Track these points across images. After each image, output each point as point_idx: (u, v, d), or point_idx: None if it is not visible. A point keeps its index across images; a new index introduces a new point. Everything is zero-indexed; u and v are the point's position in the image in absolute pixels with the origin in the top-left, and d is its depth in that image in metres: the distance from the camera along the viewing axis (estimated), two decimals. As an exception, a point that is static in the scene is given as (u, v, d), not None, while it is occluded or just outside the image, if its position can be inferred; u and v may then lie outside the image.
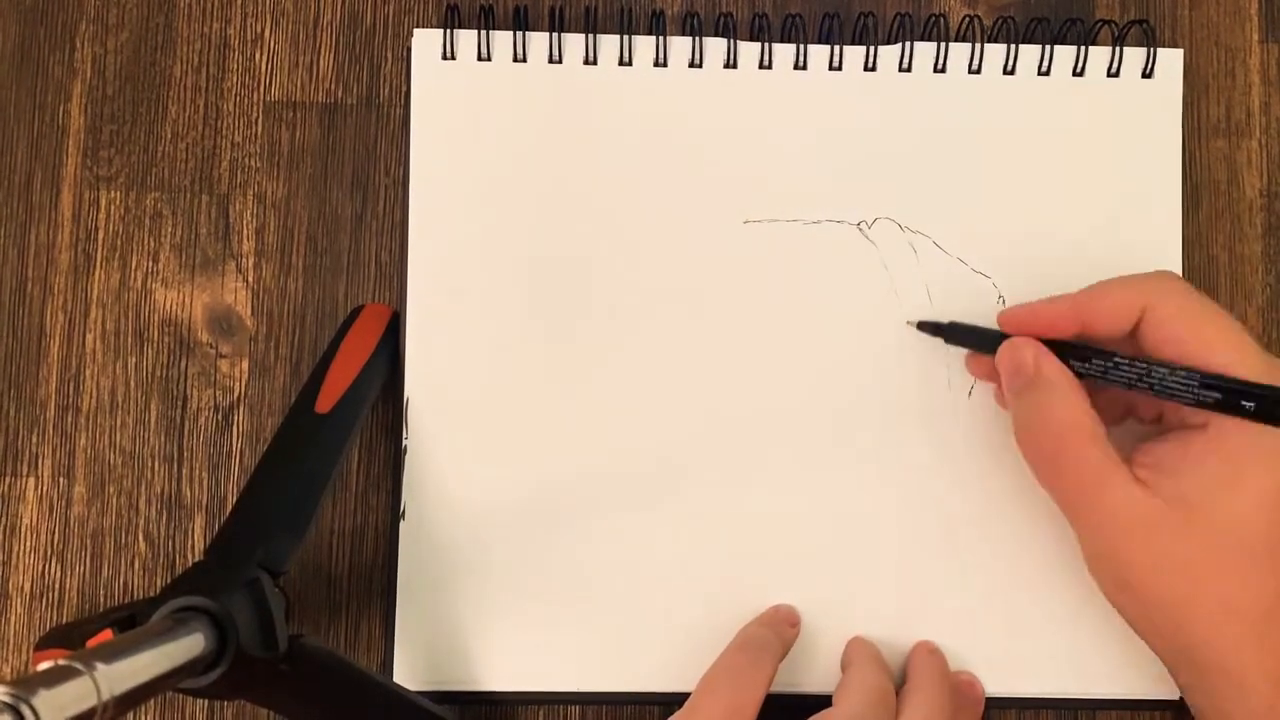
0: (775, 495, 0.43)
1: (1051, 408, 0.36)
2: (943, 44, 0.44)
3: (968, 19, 0.45)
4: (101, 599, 0.43)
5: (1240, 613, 0.35)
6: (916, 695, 0.38)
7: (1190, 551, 0.35)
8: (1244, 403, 0.33)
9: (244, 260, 0.44)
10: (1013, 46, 0.44)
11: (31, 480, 0.43)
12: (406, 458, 0.42)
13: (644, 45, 0.44)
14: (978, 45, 0.44)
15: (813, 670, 0.42)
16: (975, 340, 0.41)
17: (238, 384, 0.44)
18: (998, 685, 0.42)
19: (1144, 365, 0.35)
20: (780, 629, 0.41)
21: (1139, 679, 0.42)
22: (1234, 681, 0.35)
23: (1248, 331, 0.36)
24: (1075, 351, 0.37)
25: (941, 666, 0.41)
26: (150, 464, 0.43)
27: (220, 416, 0.44)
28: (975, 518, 0.43)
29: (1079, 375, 0.37)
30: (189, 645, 0.30)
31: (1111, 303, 0.37)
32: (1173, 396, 0.35)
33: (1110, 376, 0.36)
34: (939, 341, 0.43)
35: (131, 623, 0.36)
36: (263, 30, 0.45)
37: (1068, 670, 0.42)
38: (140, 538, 0.43)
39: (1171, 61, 0.45)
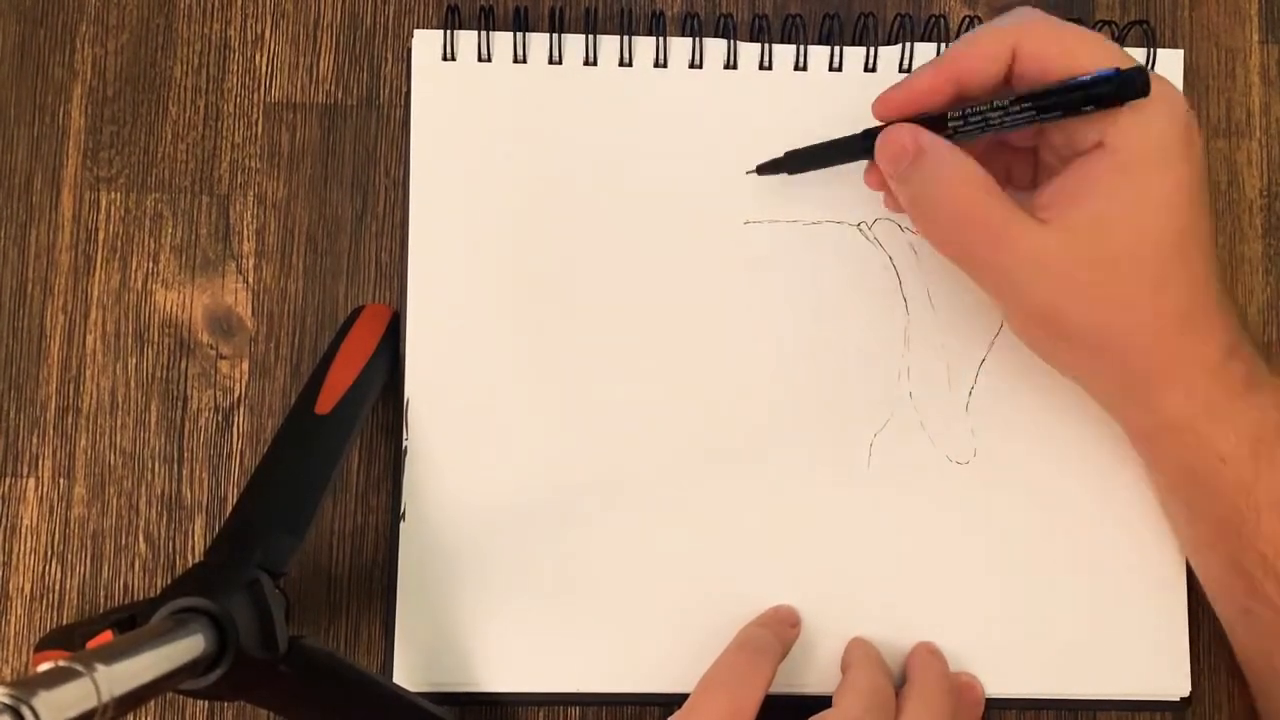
0: (775, 495, 0.43)
1: (941, 173, 0.36)
2: (943, 45, 0.44)
3: (968, 19, 0.45)
4: (101, 600, 0.43)
5: (1164, 318, 0.36)
6: (916, 697, 0.38)
7: (1102, 270, 0.35)
8: (1060, 98, 0.34)
9: (244, 261, 0.44)
10: (1013, 47, 0.44)
11: (32, 481, 0.43)
12: (407, 459, 0.42)
13: (644, 46, 0.44)
14: (978, 46, 0.44)
15: (812, 671, 0.42)
16: (837, 153, 0.40)
17: (238, 385, 0.44)
18: (998, 686, 0.42)
19: (984, 109, 0.36)
20: (780, 630, 0.41)
21: (1139, 680, 0.42)
22: (1171, 383, 0.36)
23: (1107, 40, 0.36)
24: (938, 122, 0.37)
25: (941, 667, 0.41)
26: (150, 465, 0.43)
27: (220, 417, 0.44)
28: (975, 518, 0.43)
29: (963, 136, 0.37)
30: (189, 646, 0.30)
31: (981, 52, 0.37)
32: (1030, 120, 0.35)
33: (971, 125, 0.36)
34: (940, 342, 0.43)
35: (131, 624, 0.36)
36: (263, 31, 0.45)
37: (1068, 670, 0.42)
38: (140, 539, 0.43)
39: (1172, 62, 0.45)
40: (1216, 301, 0.36)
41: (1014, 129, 0.36)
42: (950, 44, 0.38)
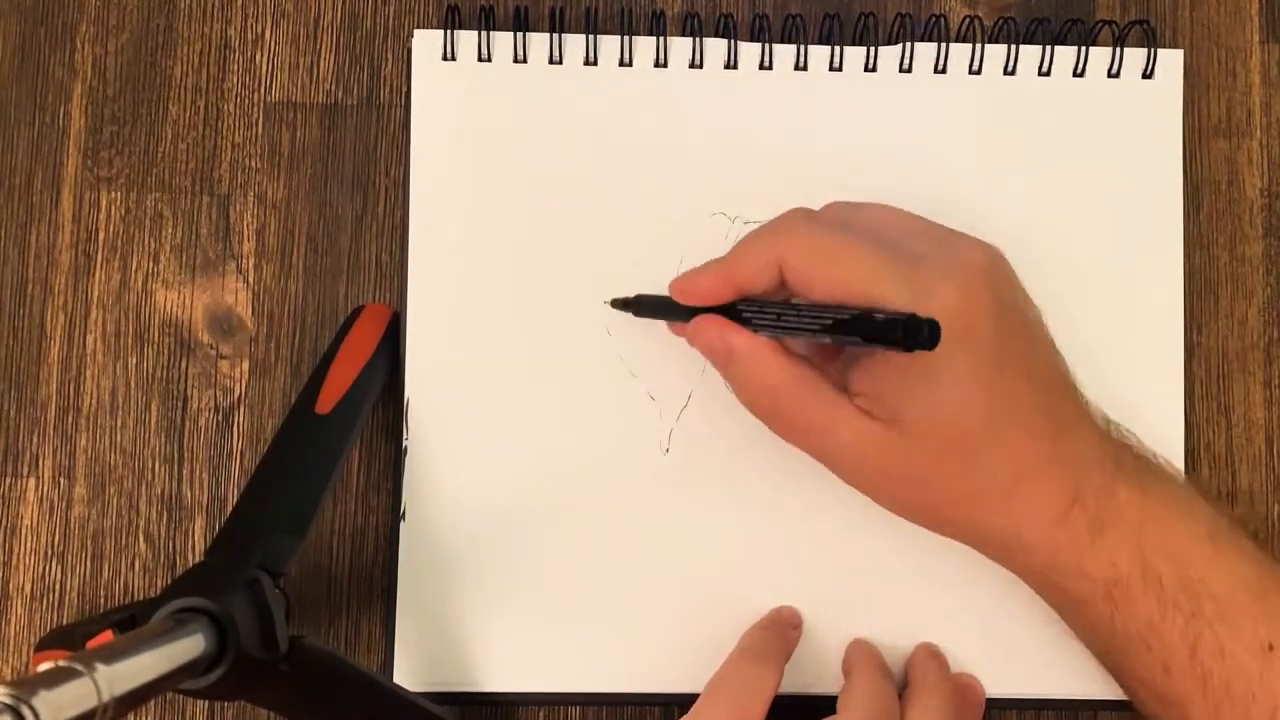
0: (777, 495, 0.42)
1: (754, 374, 0.37)
2: (943, 45, 0.44)
3: (968, 19, 0.45)
4: (102, 600, 0.43)
5: (986, 494, 0.36)
6: (920, 699, 0.38)
7: (914, 459, 0.36)
8: (857, 336, 0.33)
9: (244, 261, 0.44)
10: (1013, 47, 0.44)
11: (32, 481, 0.43)
12: (407, 459, 0.42)
13: (644, 46, 0.44)
14: (978, 46, 0.44)
15: (814, 671, 0.42)
16: (662, 310, 0.41)
17: (238, 385, 0.44)
18: (999, 686, 0.42)
19: (777, 309, 0.35)
20: (783, 632, 0.41)
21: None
22: (1012, 547, 0.37)
23: (875, 248, 0.35)
24: (747, 306, 0.37)
25: (943, 668, 0.41)
26: (150, 465, 0.43)
27: (221, 417, 0.44)
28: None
29: (758, 326, 0.37)
30: (189, 646, 0.30)
31: (753, 264, 0.37)
32: (816, 335, 0.34)
33: (764, 322, 0.36)
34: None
35: (132, 624, 0.36)
36: (263, 31, 0.45)
37: (1068, 671, 0.42)
38: (140, 538, 0.43)
39: (1172, 62, 0.45)
40: (1050, 457, 0.36)
41: (801, 336, 0.35)
42: (729, 253, 0.38)
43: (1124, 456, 0.37)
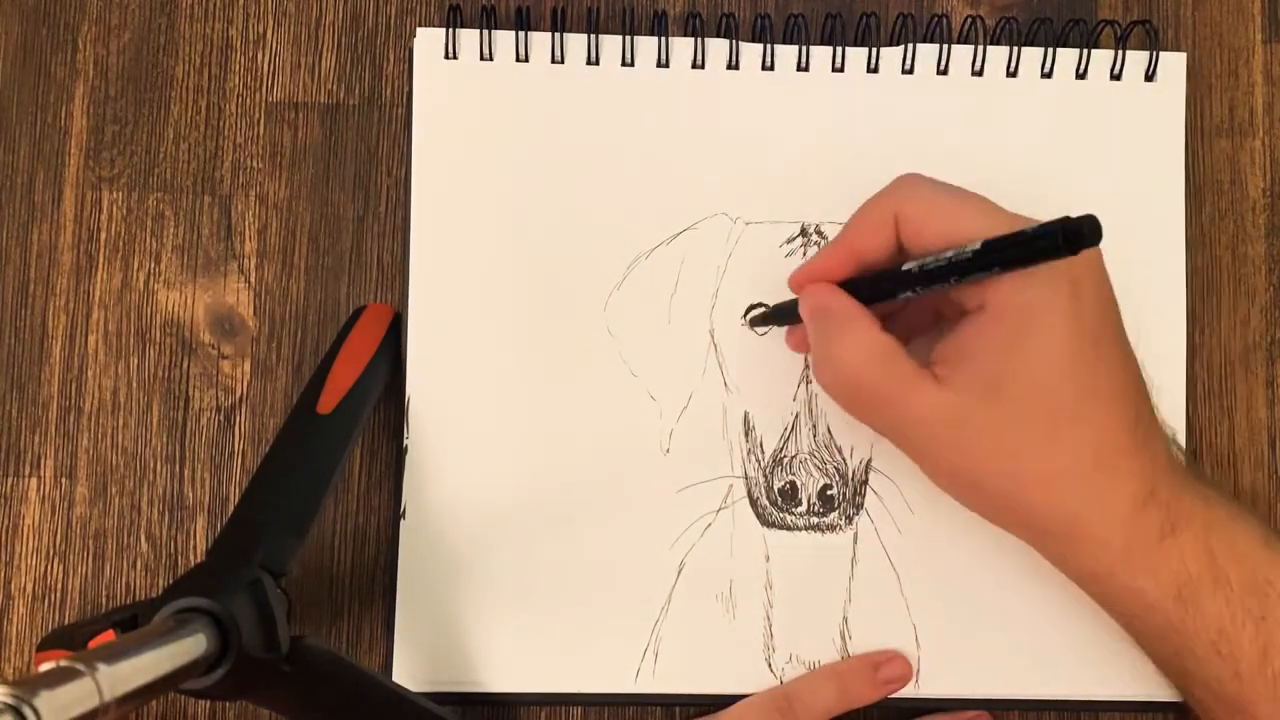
0: (777, 496, 0.43)
1: (841, 337, 0.36)
2: (945, 45, 0.44)
3: (970, 20, 0.45)
4: (103, 600, 0.43)
5: (1067, 474, 0.35)
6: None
7: (999, 431, 0.35)
8: (1002, 256, 0.32)
9: (246, 261, 0.44)
10: (1015, 49, 0.44)
11: (34, 481, 0.43)
12: (407, 458, 0.42)
13: (646, 46, 0.44)
14: (980, 47, 0.44)
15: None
16: (789, 314, 0.40)
17: (239, 385, 0.44)
18: (1001, 687, 0.42)
19: (922, 263, 0.35)
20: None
21: (1140, 680, 0.42)
22: (1085, 537, 0.36)
23: (990, 204, 0.35)
24: (870, 284, 0.37)
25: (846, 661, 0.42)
26: (152, 465, 0.43)
27: (222, 417, 0.44)
28: (977, 520, 0.42)
29: (884, 299, 0.36)
30: (191, 646, 0.30)
31: (868, 223, 0.37)
32: (964, 277, 0.34)
33: (902, 289, 0.35)
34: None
35: (133, 624, 0.36)
36: (265, 31, 0.45)
37: (1069, 672, 0.42)
38: (142, 538, 0.43)
39: (1174, 65, 0.44)
40: (1130, 448, 0.35)
41: (942, 286, 0.34)
42: (845, 226, 0.38)
43: (1185, 463, 0.37)
